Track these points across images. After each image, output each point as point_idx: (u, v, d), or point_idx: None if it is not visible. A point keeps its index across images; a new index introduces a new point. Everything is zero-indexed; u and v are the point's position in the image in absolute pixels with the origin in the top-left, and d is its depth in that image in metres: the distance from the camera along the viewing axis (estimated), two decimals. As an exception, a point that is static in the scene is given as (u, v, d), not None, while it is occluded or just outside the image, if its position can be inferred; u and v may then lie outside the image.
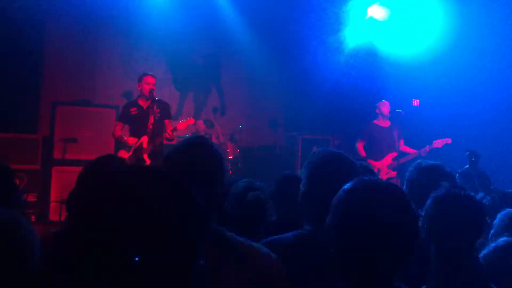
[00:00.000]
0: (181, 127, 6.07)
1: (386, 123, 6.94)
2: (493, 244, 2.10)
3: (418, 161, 2.57)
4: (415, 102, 9.12)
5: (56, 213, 6.53)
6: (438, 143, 6.45)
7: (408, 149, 6.84)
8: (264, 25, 9.65)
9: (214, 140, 8.06)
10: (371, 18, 9.37)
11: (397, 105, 7.16)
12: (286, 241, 1.81)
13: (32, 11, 7.49)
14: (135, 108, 5.95)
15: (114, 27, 8.67)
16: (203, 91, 9.43)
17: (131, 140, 5.89)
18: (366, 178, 1.37)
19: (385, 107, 6.90)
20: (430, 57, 8.62)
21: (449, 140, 6.44)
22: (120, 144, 6.07)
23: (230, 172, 7.94)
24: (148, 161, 5.80)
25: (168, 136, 5.82)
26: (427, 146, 6.62)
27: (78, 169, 2.26)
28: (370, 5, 9.29)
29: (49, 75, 7.78)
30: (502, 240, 2.12)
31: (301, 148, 8.23)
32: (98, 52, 8.48)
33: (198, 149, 1.62)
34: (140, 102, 6.01)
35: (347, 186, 1.35)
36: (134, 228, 0.84)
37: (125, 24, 8.78)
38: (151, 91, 5.87)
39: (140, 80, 5.99)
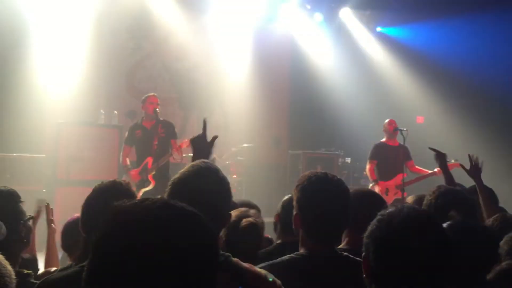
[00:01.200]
0: (186, 146, 6.09)
1: (394, 142, 6.85)
2: (498, 268, 2.07)
3: (439, 185, 2.54)
4: (420, 119, 9.10)
5: (60, 234, 6.48)
6: (186, 143, 6.25)
7: (420, 170, 6.71)
8: (267, 39, 9.71)
9: (216, 159, 8.03)
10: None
11: (402, 122, 7.13)
12: (282, 264, 1.81)
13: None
14: (139, 131, 5.98)
15: (119, 46, 8.74)
16: (206, 110, 9.44)
17: (134, 175, 5.86)
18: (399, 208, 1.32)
19: (390, 125, 6.83)
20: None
21: (458, 165, 6.27)
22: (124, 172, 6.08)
23: (234, 191, 7.89)
24: (153, 182, 5.85)
25: (176, 156, 5.86)
26: (438, 169, 6.49)
27: (82, 189, 2.24)
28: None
29: (53, 95, 7.80)
30: (505, 263, 2.09)
31: (306, 166, 8.17)
32: (102, 71, 8.52)
33: (204, 175, 1.63)
34: (145, 124, 6.04)
35: (380, 226, 1.29)
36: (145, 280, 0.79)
37: (129, 43, 8.86)
38: (155, 111, 5.91)
39: (144, 101, 6.04)
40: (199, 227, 0.88)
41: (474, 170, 3.26)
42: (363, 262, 1.30)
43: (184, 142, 6.02)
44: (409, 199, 3.23)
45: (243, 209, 2.57)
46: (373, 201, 2.23)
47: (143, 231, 0.82)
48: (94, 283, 0.81)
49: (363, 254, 1.31)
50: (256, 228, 2.39)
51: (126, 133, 6.16)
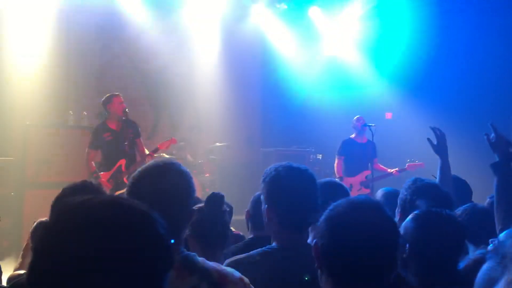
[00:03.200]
0: (163, 147, 6.09)
1: (362, 139, 7.02)
2: (471, 257, 2.13)
3: (413, 178, 2.47)
4: (388, 115, 9.29)
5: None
6: (411, 166, 6.51)
7: (382, 168, 6.92)
8: (238, 38, 9.73)
9: (188, 160, 8.02)
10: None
11: (371, 118, 7.27)
12: (251, 259, 1.81)
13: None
14: (108, 133, 5.79)
15: (87, 45, 8.61)
16: (178, 109, 9.40)
17: (104, 179, 5.68)
18: (350, 198, 1.39)
19: (359, 122, 7.00)
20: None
21: (422, 165, 6.43)
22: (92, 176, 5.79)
23: (207, 190, 7.89)
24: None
25: (150, 158, 5.74)
26: (399, 168, 6.71)
27: (52, 192, 2.21)
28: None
29: (21, 97, 7.62)
30: (478, 252, 2.15)
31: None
32: (71, 71, 8.38)
33: (167, 171, 1.61)
34: (112, 126, 5.86)
35: (332, 208, 1.35)
36: (97, 273, 0.77)
37: (98, 42, 8.74)
38: (125, 111, 5.80)
39: (110, 101, 5.83)
40: (147, 226, 0.85)
41: (441, 147, 3.00)
42: (314, 250, 1.33)
43: (161, 144, 6.04)
44: (378, 193, 3.26)
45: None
46: (338, 191, 2.24)
47: (84, 231, 0.79)
48: (33, 283, 0.79)
49: (313, 242, 1.35)
50: (216, 197, 2.33)
51: (91, 137, 5.93)
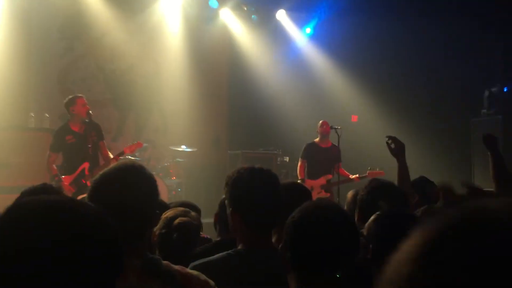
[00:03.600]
0: (129, 151, 6.03)
1: (326, 144, 7.09)
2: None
3: (370, 180, 2.57)
4: (354, 118, 9.42)
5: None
6: (372, 174, 6.54)
7: (344, 173, 6.98)
8: (205, 40, 9.69)
9: (153, 162, 7.91)
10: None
11: (337, 120, 7.34)
12: (217, 261, 1.81)
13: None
14: (71, 136, 5.64)
15: (50, 45, 8.41)
16: (144, 111, 9.28)
17: (67, 182, 5.54)
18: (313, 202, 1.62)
19: (322, 127, 7.08)
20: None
21: (382, 173, 6.50)
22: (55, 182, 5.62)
23: (174, 193, 7.80)
24: None
25: (115, 161, 5.63)
26: (360, 174, 6.77)
27: (11, 196, 2.12)
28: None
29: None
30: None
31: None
32: (32, 72, 8.16)
33: (129, 174, 1.57)
34: (74, 128, 5.71)
35: (297, 211, 1.54)
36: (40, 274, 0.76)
37: (60, 43, 8.54)
38: (89, 113, 5.67)
39: (73, 103, 5.68)
40: (94, 229, 0.84)
41: (398, 148, 3.06)
42: (282, 250, 1.50)
43: (127, 147, 5.97)
44: (349, 194, 3.29)
45: (181, 208, 2.56)
46: (300, 193, 2.25)
47: (25, 230, 0.78)
48: None
49: (282, 244, 1.52)
50: (189, 226, 2.39)
51: (52, 139, 5.76)
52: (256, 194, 1.83)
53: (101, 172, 1.61)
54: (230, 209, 1.87)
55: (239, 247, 1.87)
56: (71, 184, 5.61)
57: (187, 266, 1.77)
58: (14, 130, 6.77)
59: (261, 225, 1.84)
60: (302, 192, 2.28)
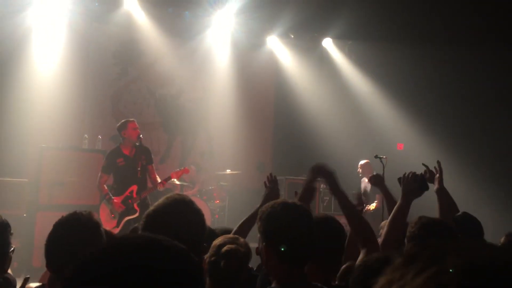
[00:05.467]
0: (175, 177, 6.14)
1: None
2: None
3: (420, 216, 2.50)
4: (400, 146, 9.25)
5: (39, 259, 6.42)
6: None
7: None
8: (252, 67, 9.88)
9: (198, 186, 8.06)
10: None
11: (383, 149, 7.25)
12: None
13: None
14: (121, 159, 5.86)
15: (105, 70, 8.81)
16: (191, 135, 9.51)
17: (118, 203, 5.77)
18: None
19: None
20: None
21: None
22: (106, 201, 5.93)
23: (217, 216, 7.91)
24: (138, 210, 5.78)
25: (162, 186, 5.85)
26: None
27: (64, 214, 2.20)
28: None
29: (37, 119, 7.79)
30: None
31: (288, 191, 8.24)
32: (88, 96, 8.56)
33: (180, 208, 1.67)
34: (125, 151, 5.92)
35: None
36: None
37: (115, 68, 8.94)
38: (139, 137, 5.87)
39: (125, 127, 5.89)
40: (185, 264, 0.85)
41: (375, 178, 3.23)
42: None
43: (174, 173, 6.04)
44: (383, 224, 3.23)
45: (231, 236, 2.61)
46: (334, 227, 2.26)
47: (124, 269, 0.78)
48: None
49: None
50: (236, 253, 2.44)
51: (105, 161, 6.01)
52: (290, 228, 1.84)
53: (154, 205, 1.70)
54: (264, 243, 1.87)
55: (273, 284, 1.86)
56: (121, 203, 5.83)
57: None
58: (69, 150, 7.05)
59: (295, 260, 1.83)
60: (335, 226, 2.28)
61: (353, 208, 2.44)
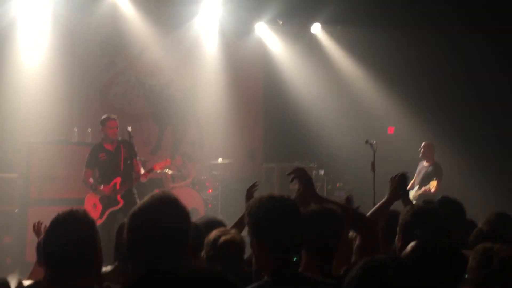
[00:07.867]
0: (158, 168, 6.50)
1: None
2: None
3: (412, 204, 2.64)
4: (391, 130, 9.28)
5: (32, 255, 6.38)
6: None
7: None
8: (241, 54, 9.82)
9: (190, 176, 8.06)
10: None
11: (373, 133, 7.26)
12: None
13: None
14: (103, 154, 6.18)
15: (92, 62, 8.70)
16: (181, 125, 9.47)
17: (106, 189, 6.12)
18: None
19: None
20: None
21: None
22: (94, 190, 6.22)
23: (210, 206, 7.91)
24: (121, 202, 6.10)
25: (144, 178, 6.19)
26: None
27: (55, 208, 2.20)
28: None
29: (25, 113, 7.69)
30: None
31: (280, 179, 8.27)
32: (76, 88, 8.47)
33: (164, 207, 1.68)
34: (107, 146, 6.25)
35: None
36: None
37: (102, 59, 8.83)
38: (115, 135, 6.19)
39: (103, 124, 6.21)
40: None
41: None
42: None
43: (156, 164, 6.42)
44: None
45: (222, 229, 2.61)
46: (329, 221, 2.23)
47: None
48: None
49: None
50: (234, 243, 2.46)
51: (88, 156, 6.27)
52: (277, 221, 1.83)
53: (139, 203, 1.72)
54: (254, 238, 1.87)
55: (266, 278, 1.86)
56: (103, 198, 6.16)
57: None
58: (58, 144, 7.00)
59: (284, 251, 1.83)
60: (333, 218, 2.28)
61: (336, 203, 2.57)
